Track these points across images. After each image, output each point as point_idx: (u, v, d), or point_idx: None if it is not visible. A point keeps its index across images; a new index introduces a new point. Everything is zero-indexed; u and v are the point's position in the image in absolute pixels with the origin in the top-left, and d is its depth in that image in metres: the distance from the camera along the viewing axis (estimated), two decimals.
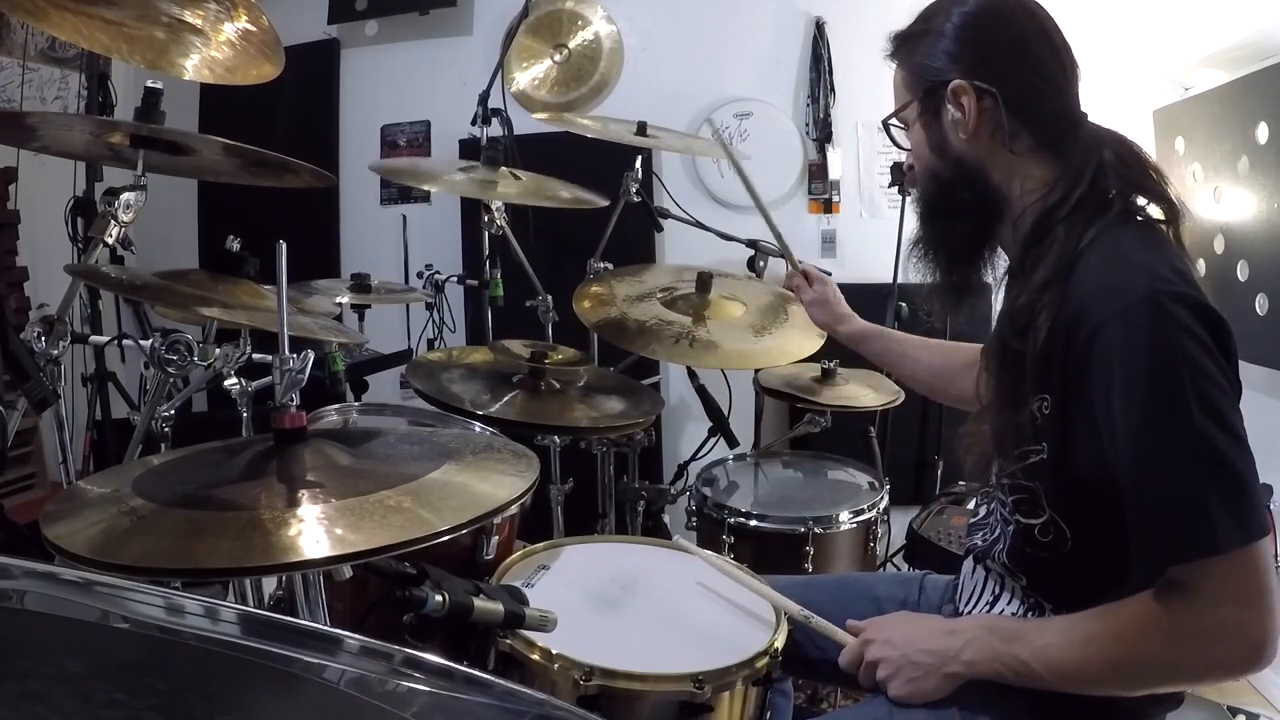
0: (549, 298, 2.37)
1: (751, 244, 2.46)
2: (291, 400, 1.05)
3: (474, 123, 2.56)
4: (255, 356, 1.62)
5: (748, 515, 2.00)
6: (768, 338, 2.05)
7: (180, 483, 0.99)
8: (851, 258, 3.32)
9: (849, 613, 1.26)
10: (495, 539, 1.39)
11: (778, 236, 1.81)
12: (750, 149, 3.24)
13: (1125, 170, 1.09)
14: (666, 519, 2.49)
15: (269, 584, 1.37)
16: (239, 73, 1.69)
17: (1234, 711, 2.27)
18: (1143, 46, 2.89)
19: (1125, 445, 0.95)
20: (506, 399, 1.80)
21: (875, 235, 3.24)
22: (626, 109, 2.74)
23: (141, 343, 1.60)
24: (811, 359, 2.08)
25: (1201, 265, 2.48)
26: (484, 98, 2.54)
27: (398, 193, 3.68)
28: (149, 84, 1.51)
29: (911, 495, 3.00)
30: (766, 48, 3.35)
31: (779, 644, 1.19)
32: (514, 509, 1.09)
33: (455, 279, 2.73)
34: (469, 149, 3.35)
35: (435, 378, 1.83)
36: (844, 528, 1.99)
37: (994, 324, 1.38)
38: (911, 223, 1.30)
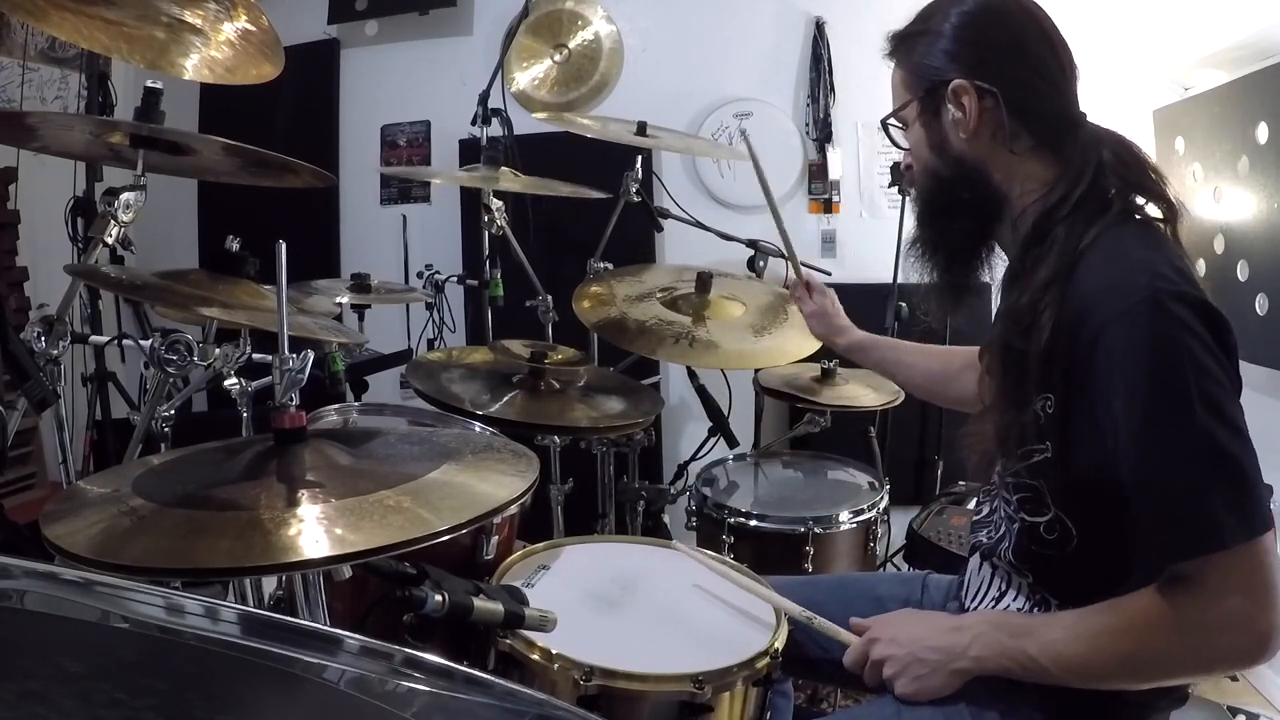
0: (549, 298, 2.37)
1: (751, 244, 2.46)
2: (291, 400, 1.05)
3: (474, 123, 2.57)
4: (255, 356, 1.62)
5: (748, 515, 2.00)
6: (768, 338, 2.05)
7: (180, 483, 0.99)
8: (851, 258, 3.31)
9: (851, 612, 1.26)
10: (495, 539, 1.39)
11: (787, 245, 1.81)
12: None
13: (1125, 170, 1.09)
14: (666, 519, 2.49)
15: (269, 584, 1.37)
16: (239, 73, 1.69)
17: (1234, 711, 2.27)
18: (1143, 46, 2.88)
19: (1129, 443, 0.96)
20: (506, 399, 1.80)
21: (875, 235, 3.24)
22: (626, 109, 2.74)
23: (141, 343, 1.60)
24: (811, 359, 2.08)
25: (1201, 265, 2.48)
26: (484, 98, 2.54)
27: (398, 193, 3.68)
28: (149, 84, 1.51)
29: (911, 495, 3.00)
30: (766, 48, 3.35)
31: (779, 644, 1.19)
32: (514, 509, 1.09)
33: (455, 279, 2.73)
34: (469, 149, 3.35)
35: (435, 378, 1.83)
36: (844, 528, 1.99)
37: (992, 324, 1.39)
38: (911, 223, 1.30)
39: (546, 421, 1.83)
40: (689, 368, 2.32)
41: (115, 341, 2.09)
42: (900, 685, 1.12)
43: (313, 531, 0.87)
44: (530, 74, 3.38)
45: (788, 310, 2.16)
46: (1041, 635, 1.04)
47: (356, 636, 0.65)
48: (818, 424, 2.33)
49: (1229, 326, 0.97)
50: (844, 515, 2.00)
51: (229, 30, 1.64)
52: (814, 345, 2.01)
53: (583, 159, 2.49)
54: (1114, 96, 2.67)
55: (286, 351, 1.07)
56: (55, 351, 1.47)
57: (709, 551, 1.45)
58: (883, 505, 2.09)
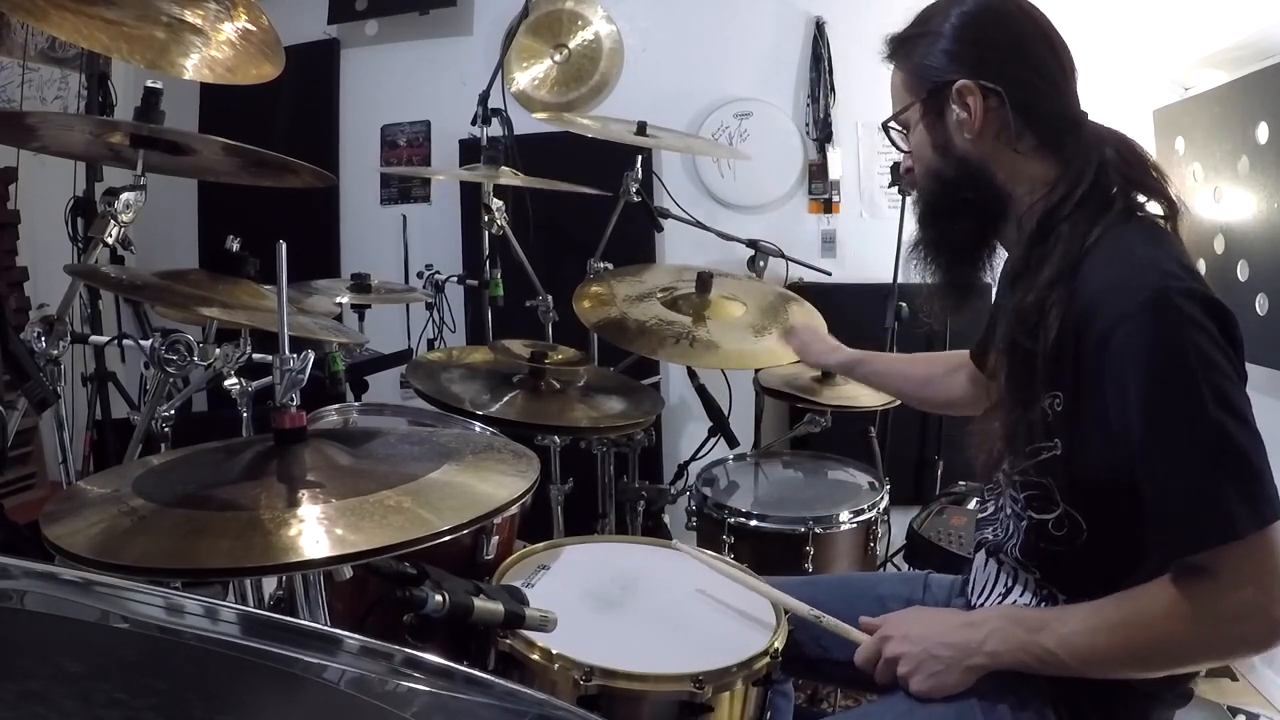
0: (549, 298, 2.37)
1: (751, 244, 2.47)
2: (291, 400, 1.05)
3: (474, 123, 2.56)
4: (255, 356, 1.62)
5: (748, 515, 1.99)
6: (768, 337, 2.05)
7: (180, 483, 0.99)
8: (851, 258, 3.31)
9: (853, 612, 1.26)
10: (495, 539, 1.39)
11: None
12: (750, 149, 3.23)
13: (1127, 168, 1.11)
14: (666, 519, 2.49)
15: (269, 584, 1.37)
16: (239, 73, 1.69)
17: (1234, 711, 2.27)
18: (1143, 46, 2.88)
19: (1141, 439, 0.97)
20: (506, 399, 1.80)
21: (875, 235, 3.23)
22: (626, 109, 2.74)
23: (141, 343, 1.60)
24: None
25: (1201, 265, 2.48)
26: (484, 98, 2.54)
27: (398, 193, 3.68)
28: (149, 84, 1.51)
29: (911, 495, 3.00)
30: (766, 48, 3.34)
31: (779, 644, 1.19)
32: (514, 509, 1.09)
33: (455, 279, 2.73)
34: (469, 149, 3.35)
35: (435, 378, 1.83)
36: (844, 528, 1.99)
37: (988, 321, 1.39)
38: (911, 224, 1.30)
39: (546, 421, 1.83)
40: (689, 368, 2.32)
41: (115, 341, 2.08)
42: (915, 683, 1.12)
43: (313, 532, 0.87)
44: (530, 74, 3.38)
45: (788, 310, 2.16)
46: (1058, 628, 1.05)
47: (356, 636, 0.65)
48: (818, 424, 2.34)
49: (1234, 320, 0.99)
50: (844, 515, 2.00)
51: (229, 30, 1.64)
52: None
53: (583, 159, 2.49)
54: (1114, 96, 2.67)
55: (286, 351, 1.06)
56: (55, 351, 1.47)
57: (709, 552, 1.45)
58: (883, 505, 2.09)
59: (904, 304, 2.76)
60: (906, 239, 1.32)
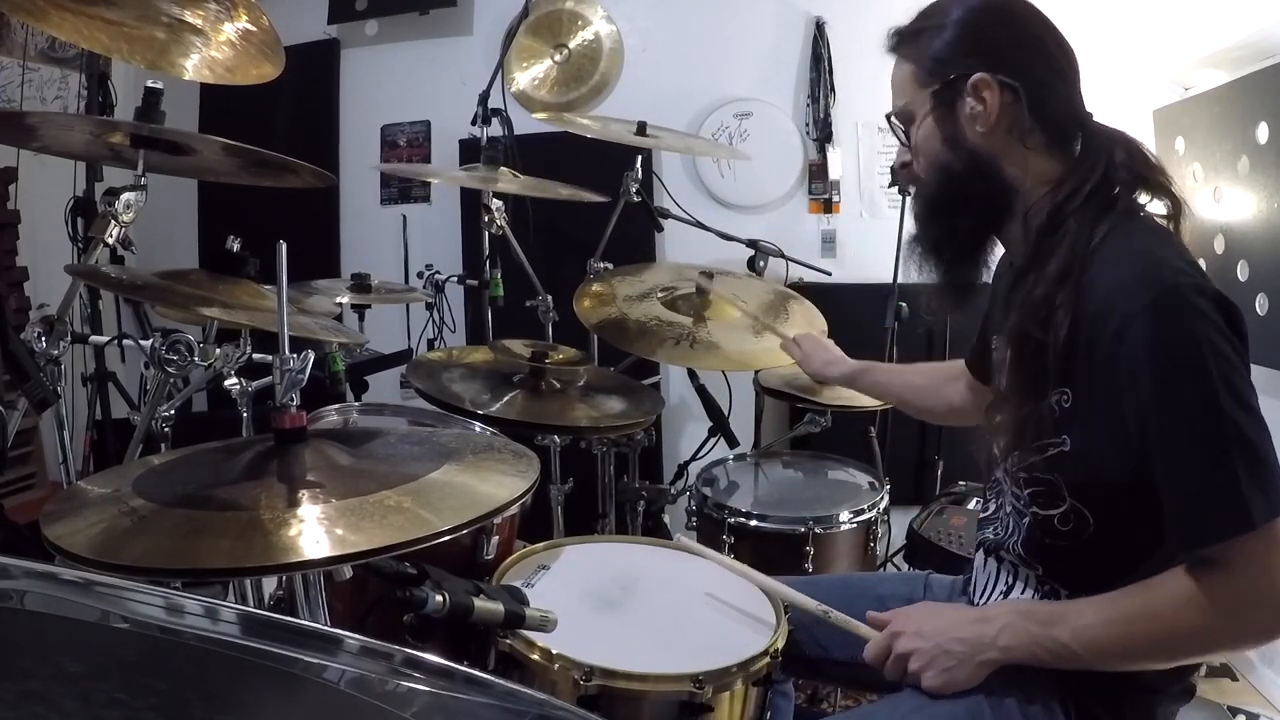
0: (549, 298, 2.37)
1: (751, 244, 2.47)
2: (291, 400, 1.05)
3: (474, 123, 2.57)
4: (255, 356, 1.62)
5: (748, 515, 1.99)
6: (768, 337, 2.05)
7: (180, 483, 0.99)
8: (851, 258, 3.31)
9: (854, 612, 1.26)
10: (495, 539, 1.39)
11: (775, 332, 1.89)
12: (750, 149, 3.23)
13: (1136, 168, 1.12)
14: (666, 519, 2.50)
15: (269, 584, 1.37)
16: (239, 73, 1.69)
17: (1234, 711, 2.27)
18: (1143, 46, 2.88)
19: (1157, 433, 0.99)
20: (506, 399, 1.80)
21: (875, 235, 3.23)
22: (626, 109, 2.74)
23: (141, 343, 1.60)
24: None
25: (1202, 265, 2.47)
26: (484, 98, 2.54)
27: (398, 193, 3.68)
28: (149, 84, 1.51)
29: (911, 495, 3.00)
30: (766, 48, 3.34)
31: (779, 644, 1.19)
32: (514, 509, 1.09)
33: (455, 279, 2.73)
34: (469, 149, 3.35)
35: (435, 378, 1.83)
36: (844, 528, 1.99)
37: (985, 313, 1.39)
38: (911, 223, 1.29)
39: (546, 421, 1.83)
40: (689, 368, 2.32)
41: (115, 341, 2.09)
42: (928, 678, 1.13)
43: (313, 532, 0.87)
44: (530, 74, 3.37)
45: (788, 309, 2.16)
46: (1072, 621, 1.06)
47: (356, 636, 0.65)
48: (818, 424, 2.34)
49: (1240, 314, 1.01)
50: (844, 515, 2.00)
51: (229, 30, 1.64)
52: None
53: (583, 159, 2.49)
54: (1114, 96, 2.67)
55: (287, 351, 1.06)
56: (55, 351, 1.47)
57: (714, 552, 1.45)
58: (883, 505, 2.09)
59: (904, 304, 2.76)
60: (906, 237, 1.31)
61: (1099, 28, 2.78)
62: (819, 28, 3.26)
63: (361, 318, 2.76)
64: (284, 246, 1.06)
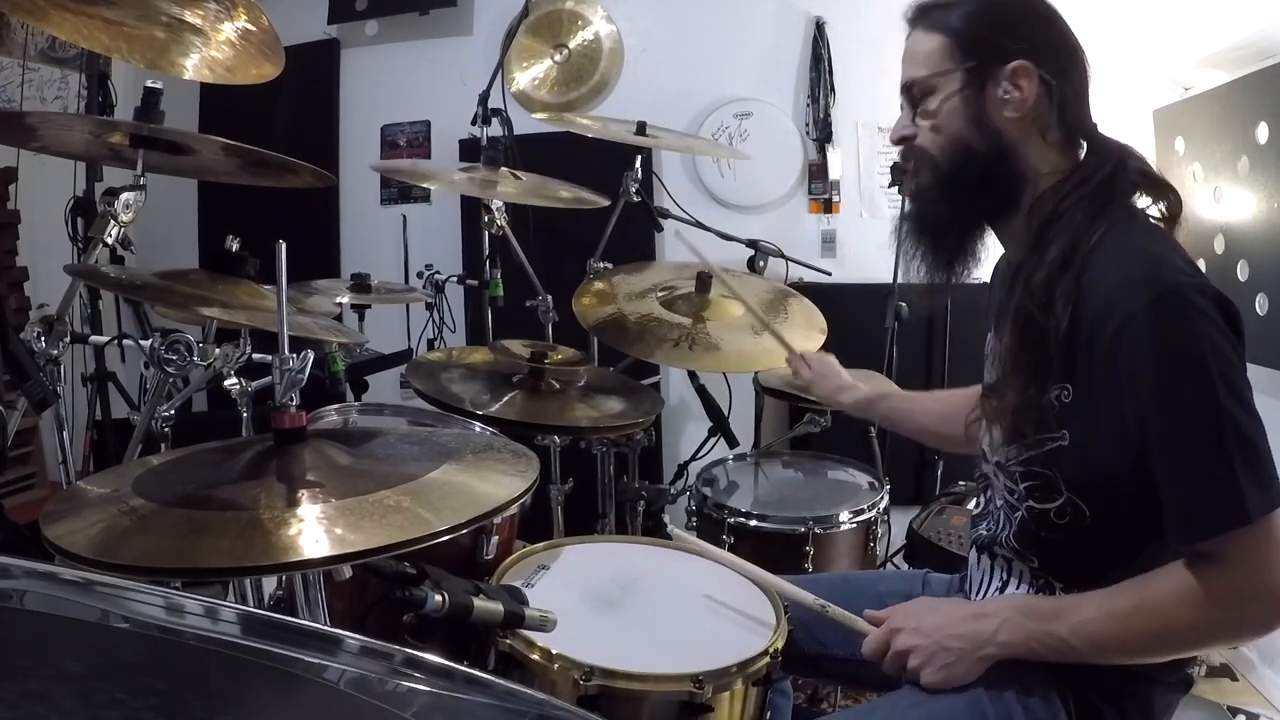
0: (549, 298, 2.37)
1: (751, 244, 2.47)
2: (291, 400, 1.05)
3: (474, 123, 2.57)
4: (255, 356, 1.62)
5: (748, 515, 1.99)
6: (768, 337, 2.05)
7: (180, 483, 0.99)
8: (851, 258, 3.31)
9: (852, 609, 1.26)
10: (495, 539, 1.39)
11: (779, 338, 1.84)
12: (750, 149, 3.24)
13: (1137, 172, 1.14)
14: (666, 519, 2.49)
15: (269, 584, 1.37)
16: (239, 72, 1.69)
17: (1234, 711, 2.27)
18: (1143, 46, 2.88)
19: (1156, 431, 1.00)
20: (506, 399, 1.80)
21: (875, 235, 3.24)
22: (626, 109, 2.74)
23: (141, 343, 1.60)
24: None
25: (1201, 265, 2.48)
26: (484, 98, 2.54)
27: (398, 193, 3.68)
28: (149, 84, 1.51)
29: (911, 495, 3.00)
30: (766, 48, 3.34)
31: (779, 644, 1.19)
32: (514, 509, 1.09)
33: (455, 279, 2.73)
34: (469, 149, 3.35)
35: (435, 378, 1.83)
36: (844, 528, 1.99)
37: (988, 289, 1.38)
38: (911, 201, 1.27)
39: (546, 421, 1.83)
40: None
41: (115, 341, 2.08)
42: (927, 675, 1.13)
43: (313, 531, 0.87)
44: (530, 74, 3.37)
45: (788, 309, 2.16)
46: (1071, 616, 1.07)
47: (356, 636, 0.65)
48: (818, 424, 2.33)
49: (1238, 313, 1.02)
50: (844, 515, 2.00)
51: (229, 30, 1.64)
52: (815, 345, 2.01)
53: (583, 159, 2.49)
54: (1114, 96, 2.65)
55: (286, 351, 1.07)
56: (55, 351, 1.47)
57: (707, 544, 1.45)
58: (883, 505, 2.09)
59: (904, 304, 2.76)
60: (904, 214, 1.29)
61: (1099, 28, 2.76)
62: (819, 28, 3.26)
63: (361, 318, 2.77)
64: (284, 246, 1.06)
